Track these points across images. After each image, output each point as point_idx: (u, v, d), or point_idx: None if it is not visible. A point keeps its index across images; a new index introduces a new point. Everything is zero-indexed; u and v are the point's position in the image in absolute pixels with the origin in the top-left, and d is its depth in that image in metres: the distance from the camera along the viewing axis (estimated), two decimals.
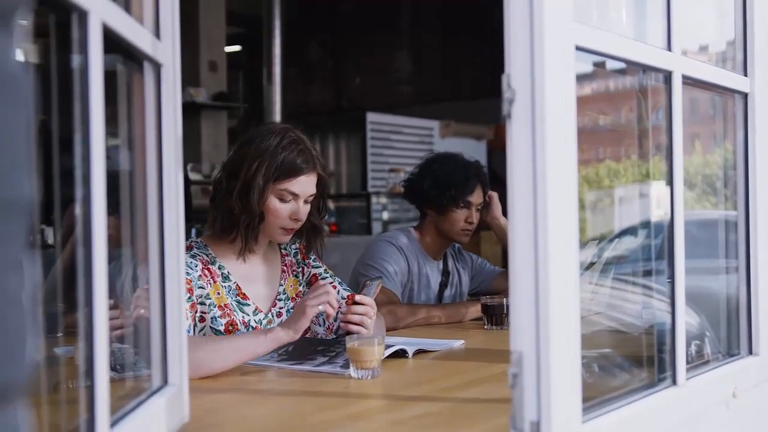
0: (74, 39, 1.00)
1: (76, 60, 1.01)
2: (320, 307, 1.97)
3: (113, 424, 1.08)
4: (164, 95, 1.35)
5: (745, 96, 1.80)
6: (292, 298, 2.33)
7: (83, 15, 0.99)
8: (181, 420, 1.39)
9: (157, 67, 1.34)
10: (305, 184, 2.19)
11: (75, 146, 1.02)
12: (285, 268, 2.36)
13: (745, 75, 1.79)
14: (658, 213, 1.95)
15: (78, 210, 1.00)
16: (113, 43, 1.11)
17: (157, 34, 1.34)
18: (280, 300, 2.31)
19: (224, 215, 2.18)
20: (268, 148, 2.14)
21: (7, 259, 0.58)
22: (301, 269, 2.39)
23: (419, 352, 2.16)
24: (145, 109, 1.34)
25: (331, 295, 2.00)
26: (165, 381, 1.36)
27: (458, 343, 2.33)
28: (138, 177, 1.35)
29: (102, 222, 1.01)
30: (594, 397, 1.31)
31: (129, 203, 1.36)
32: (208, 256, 2.20)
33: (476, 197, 2.98)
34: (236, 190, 2.14)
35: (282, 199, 2.17)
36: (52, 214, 1.10)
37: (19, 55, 0.61)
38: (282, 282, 2.33)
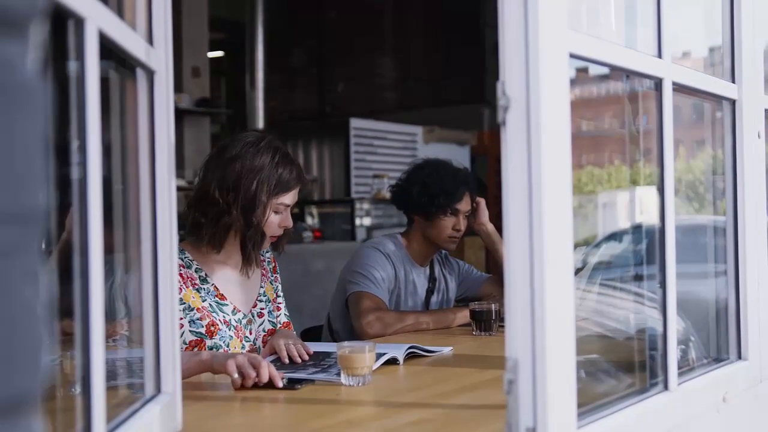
0: (70, 45, 0.99)
1: (71, 66, 1.00)
2: (235, 375, 1.80)
3: None
4: (157, 102, 1.35)
5: (733, 102, 1.81)
6: (272, 300, 2.42)
7: (80, 22, 0.98)
8: (174, 428, 1.38)
9: (150, 73, 1.33)
10: (295, 195, 2.30)
11: (71, 153, 1.01)
12: (264, 272, 2.43)
13: (733, 82, 1.81)
14: (642, 218, 1.96)
15: (74, 218, 1.00)
16: (107, 49, 1.10)
17: (150, 41, 1.33)
18: (261, 301, 2.38)
19: (222, 230, 2.22)
20: (263, 166, 2.22)
21: (23, 269, 0.58)
22: (273, 279, 2.48)
23: (411, 357, 2.16)
24: (138, 115, 1.33)
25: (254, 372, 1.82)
26: (158, 389, 1.35)
27: (447, 350, 2.33)
28: (130, 184, 1.34)
29: (98, 229, 1.01)
30: (588, 403, 1.32)
31: (121, 210, 1.35)
32: (183, 260, 2.24)
33: (464, 205, 2.99)
34: (239, 208, 2.19)
35: (276, 212, 2.26)
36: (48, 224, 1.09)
37: (34, 64, 0.61)
38: (262, 284, 2.40)
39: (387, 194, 3.25)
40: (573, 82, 1.51)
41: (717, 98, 1.82)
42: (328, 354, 2.17)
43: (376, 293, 2.82)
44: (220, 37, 9.23)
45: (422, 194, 2.97)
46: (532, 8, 1.15)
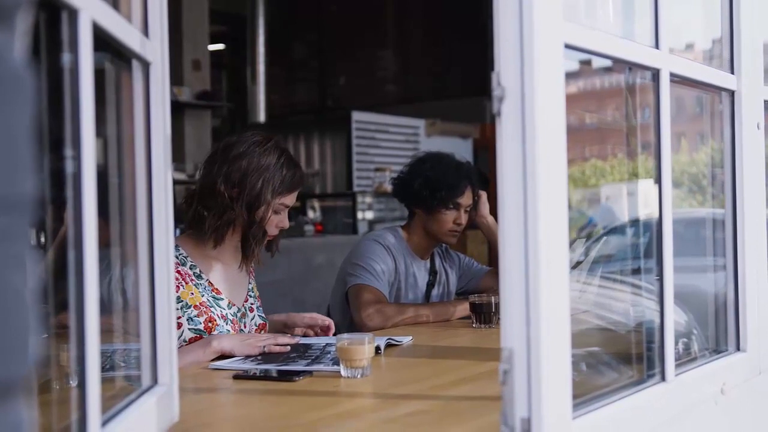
0: (64, 37, 0.99)
1: (65, 58, 1.00)
2: (265, 349, 2.12)
3: (104, 423, 1.08)
4: (153, 94, 1.35)
5: (732, 93, 1.81)
6: (258, 296, 2.47)
7: (73, 13, 0.98)
8: (170, 420, 1.39)
9: (145, 65, 1.33)
10: (295, 197, 2.36)
11: (64, 146, 1.01)
12: (251, 270, 2.48)
13: (732, 73, 1.80)
14: (645, 211, 1.96)
15: (68, 211, 1.00)
16: (102, 41, 1.10)
17: (145, 32, 1.33)
18: (251, 296, 2.43)
19: (225, 225, 2.26)
20: (269, 165, 2.26)
21: (11, 255, 0.59)
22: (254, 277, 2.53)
23: (410, 350, 2.18)
24: (134, 108, 1.33)
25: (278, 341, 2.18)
26: (155, 380, 1.35)
27: (407, 339, 2.36)
28: (126, 177, 1.34)
29: (92, 223, 1.01)
30: (584, 394, 1.32)
31: (117, 204, 1.35)
32: (178, 257, 2.25)
33: (466, 199, 2.98)
34: (243, 204, 2.24)
35: (276, 212, 2.30)
36: (39, 215, 1.09)
37: (21, 53, 0.61)
38: (250, 281, 2.45)
39: (389, 187, 3.25)
40: (576, 75, 1.51)
41: (716, 89, 1.81)
42: (309, 346, 2.19)
43: (376, 286, 2.82)
44: (220, 30, 9.22)
45: (424, 187, 2.96)
46: None
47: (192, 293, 2.23)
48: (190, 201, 2.29)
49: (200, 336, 2.19)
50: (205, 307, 2.24)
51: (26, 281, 0.60)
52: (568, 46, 1.24)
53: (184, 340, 2.18)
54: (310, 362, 1.99)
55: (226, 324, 2.26)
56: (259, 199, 2.25)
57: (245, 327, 2.35)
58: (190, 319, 2.20)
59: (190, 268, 2.27)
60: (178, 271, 2.22)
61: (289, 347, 2.14)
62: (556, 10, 1.20)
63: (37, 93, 0.94)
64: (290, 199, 2.33)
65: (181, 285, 2.21)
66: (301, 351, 2.13)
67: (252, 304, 2.42)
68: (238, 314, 2.34)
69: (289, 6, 9.87)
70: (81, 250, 0.99)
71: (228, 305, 2.31)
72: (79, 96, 1.00)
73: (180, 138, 7.38)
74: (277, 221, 2.31)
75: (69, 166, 1.01)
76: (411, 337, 2.38)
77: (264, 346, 2.11)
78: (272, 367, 1.95)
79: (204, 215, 2.25)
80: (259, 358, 2.07)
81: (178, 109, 7.25)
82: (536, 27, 1.15)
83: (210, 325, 2.22)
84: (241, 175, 2.24)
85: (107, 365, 1.35)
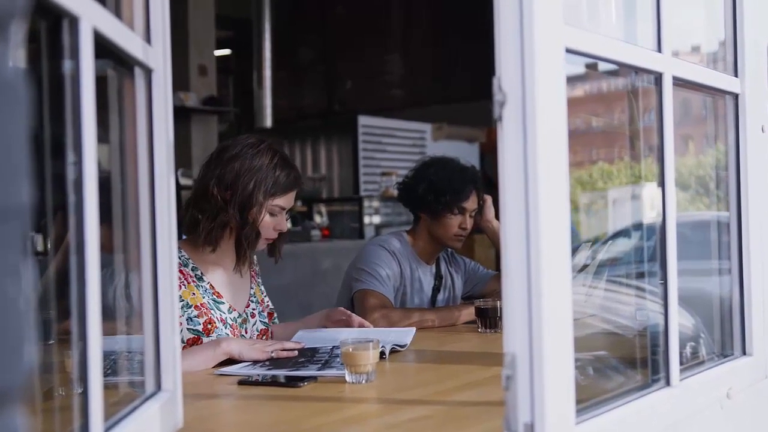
0: (65, 44, 1.00)
1: (66, 65, 1.01)
2: (273, 354, 2.11)
3: (107, 430, 1.08)
4: (155, 100, 1.35)
5: (736, 97, 1.80)
6: (260, 302, 2.46)
7: (74, 21, 0.99)
8: (174, 426, 1.39)
9: (148, 72, 1.33)
10: (292, 199, 2.34)
11: (66, 153, 1.01)
12: (253, 274, 2.48)
13: (736, 76, 1.80)
14: (651, 215, 1.96)
15: (70, 217, 1.00)
16: (103, 48, 1.10)
17: (147, 39, 1.33)
18: (252, 302, 2.42)
19: (219, 227, 2.26)
20: (262, 166, 2.26)
21: (6, 264, 0.59)
22: (259, 281, 2.51)
23: (393, 352, 2.18)
24: (136, 114, 1.33)
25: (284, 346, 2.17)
26: (158, 387, 1.35)
27: (410, 333, 2.37)
28: (129, 183, 1.35)
29: (94, 229, 1.01)
30: (588, 399, 1.31)
31: (120, 210, 1.35)
32: (180, 259, 2.26)
33: (471, 203, 2.98)
34: (235, 206, 2.23)
35: (272, 214, 2.29)
36: (41, 221, 1.10)
37: (16, 62, 0.61)
38: (252, 286, 2.45)
39: (395, 192, 3.25)
40: (583, 78, 1.51)
41: (720, 92, 1.81)
42: (316, 350, 2.19)
43: (381, 291, 2.82)
44: (226, 35, 9.23)
45: (428, 192, 2.96)
46: (527, 3, 1.14)
47: (193, 293, 2.24)
48: (187, 206, 2.30)
49: (198, 337, 2.19)
50: (206, 309, 2.24)
51: (22, 290, 0.60)
52: (569, 51, 1.24)
53: (182, 340, 2.18)
54: (320, 367, 1.99)
55: (225, 328, 2.26)
56: (251, 200, 2.24)
57: (246, 333, 2.35)
58: (189, 319, 2.20)
59: (192, 270, 2.27)
60: (181, 271, 2.22)
61: (296, 352, 2.14)
62: (557, 14, 1.20)
63: (39, 100, 0.95)
64: (285, 201, 2.31)
65: (183, 284, 2.22)
66: (308, 356, 2.13)
67: (254, 309, 2.41)
68: (239, 320, 2.33)
69: (294, 10, 9.88)
70: (83, 256, 1.00)
71: (229, 309, 2.30)
72: (80, 103, 1.00)
73: (187, 143, 7.38)
74: (274, 224, 2.30)
75: (71, 173, 1.01)
76: (414, 330, 2.39)
77: (272, 352, 2.10)
78: (282, 373, 1.94)
79: (198, 219, 2.25)
80: (267, 363, 2.06)
81: (184, 114, 7.26)
82: (537, 31, 1.15)
83: (209, 327, 2.22)
84: (234, 176, 2.24)
85: (109, 370, 1.35)
